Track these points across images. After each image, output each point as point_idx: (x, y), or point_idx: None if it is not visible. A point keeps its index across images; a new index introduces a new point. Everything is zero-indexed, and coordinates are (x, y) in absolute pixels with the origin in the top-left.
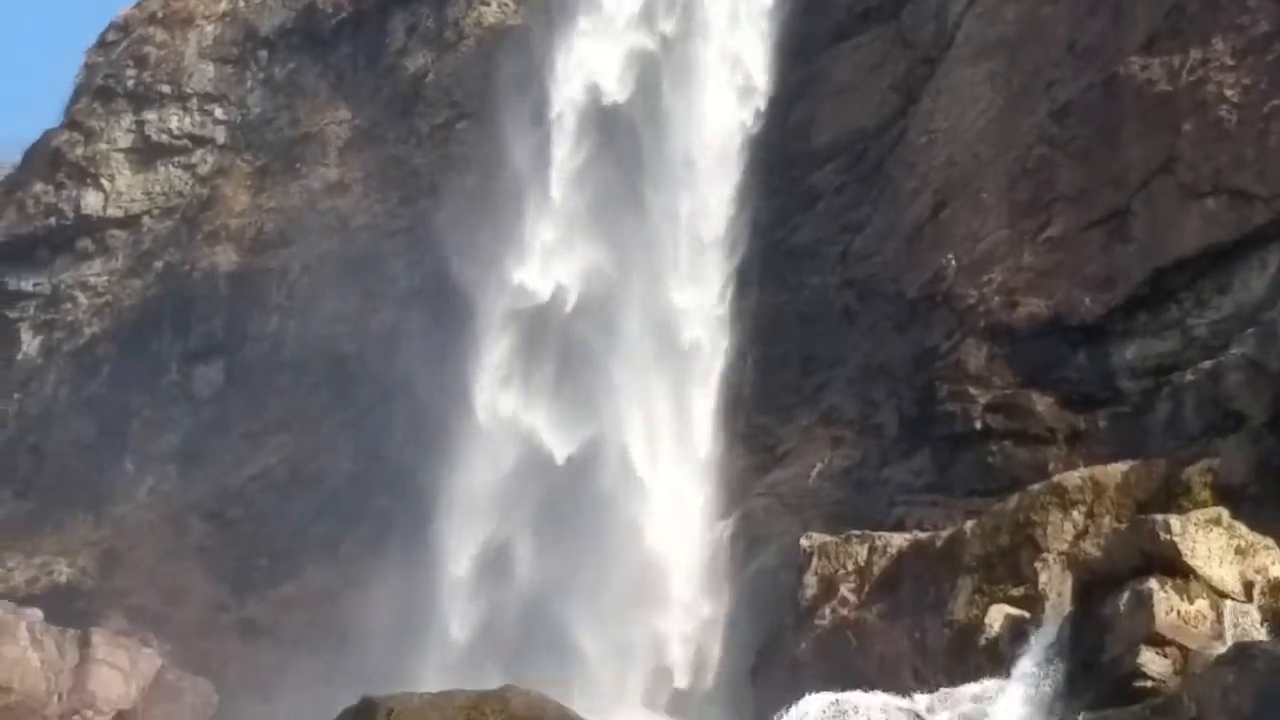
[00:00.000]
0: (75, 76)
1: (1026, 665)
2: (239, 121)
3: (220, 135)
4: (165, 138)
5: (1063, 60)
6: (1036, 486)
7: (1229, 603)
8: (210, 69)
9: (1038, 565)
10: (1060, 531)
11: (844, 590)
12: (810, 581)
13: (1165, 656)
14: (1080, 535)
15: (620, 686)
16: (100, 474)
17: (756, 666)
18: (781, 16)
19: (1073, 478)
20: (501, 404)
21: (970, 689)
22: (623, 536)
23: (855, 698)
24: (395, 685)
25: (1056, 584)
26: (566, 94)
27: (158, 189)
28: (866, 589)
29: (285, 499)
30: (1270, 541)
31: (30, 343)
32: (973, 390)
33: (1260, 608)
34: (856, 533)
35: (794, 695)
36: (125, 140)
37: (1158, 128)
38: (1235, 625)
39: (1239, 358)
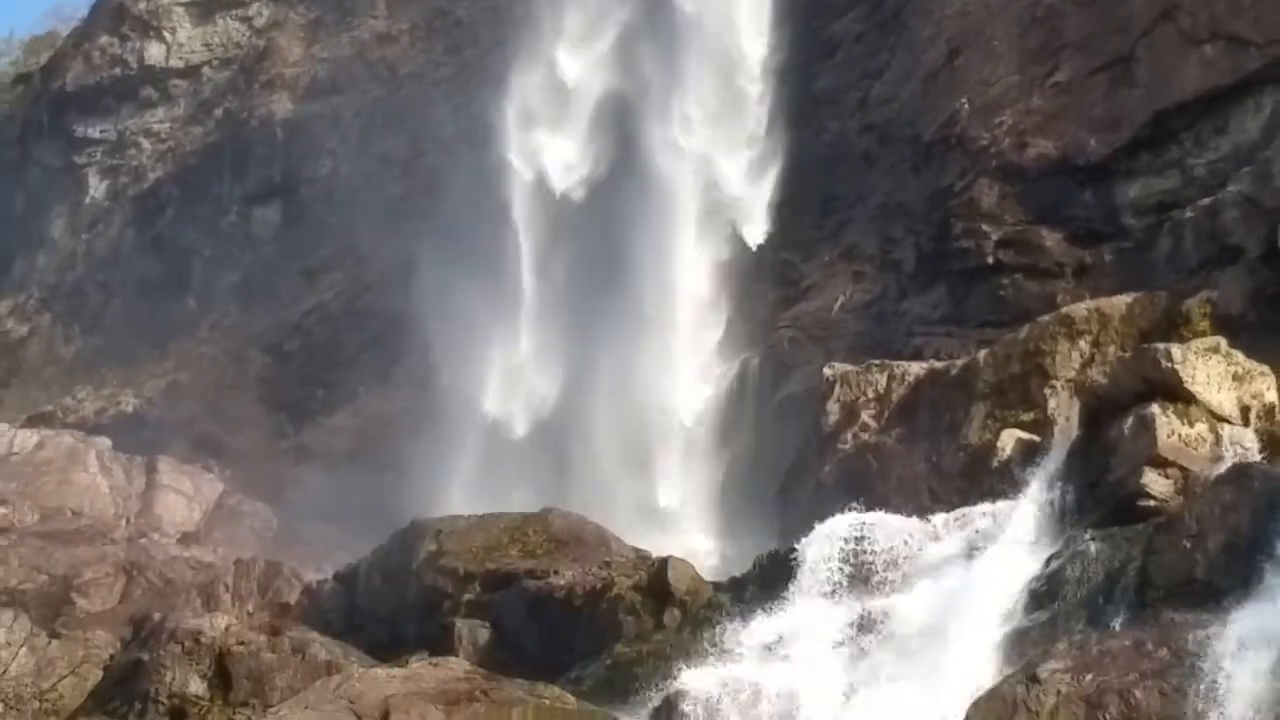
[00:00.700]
0: None
1: (1036, 486)
2: None
3: None
4: None
5: None
6: (1046, 317)
7: (1227, 426)
8: None
9: (1047, 392)
10: (1068, 360)
11: (865, 416)
12: (833, 408)
13: (1167, 477)
14: (1087, 363)
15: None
16: (164, 311)
17: (783, 488)
18: None
19: (1080, 309)
20: None
21: (983, 509)
22: (658, 361)
23: (876, 518)
24: (442, 509)
25: (1064, 409)
26: None
27: (216, 40)
28: (886, 415)
29: (339, 332)
30: (1266, 368)
31: (98, 187)
32: (985, 227)
33: (1256, 431)
34: (876, 362)
35: (817, 515)
36: None
37: None
38: (1233, 447)
39: (1235, 195)
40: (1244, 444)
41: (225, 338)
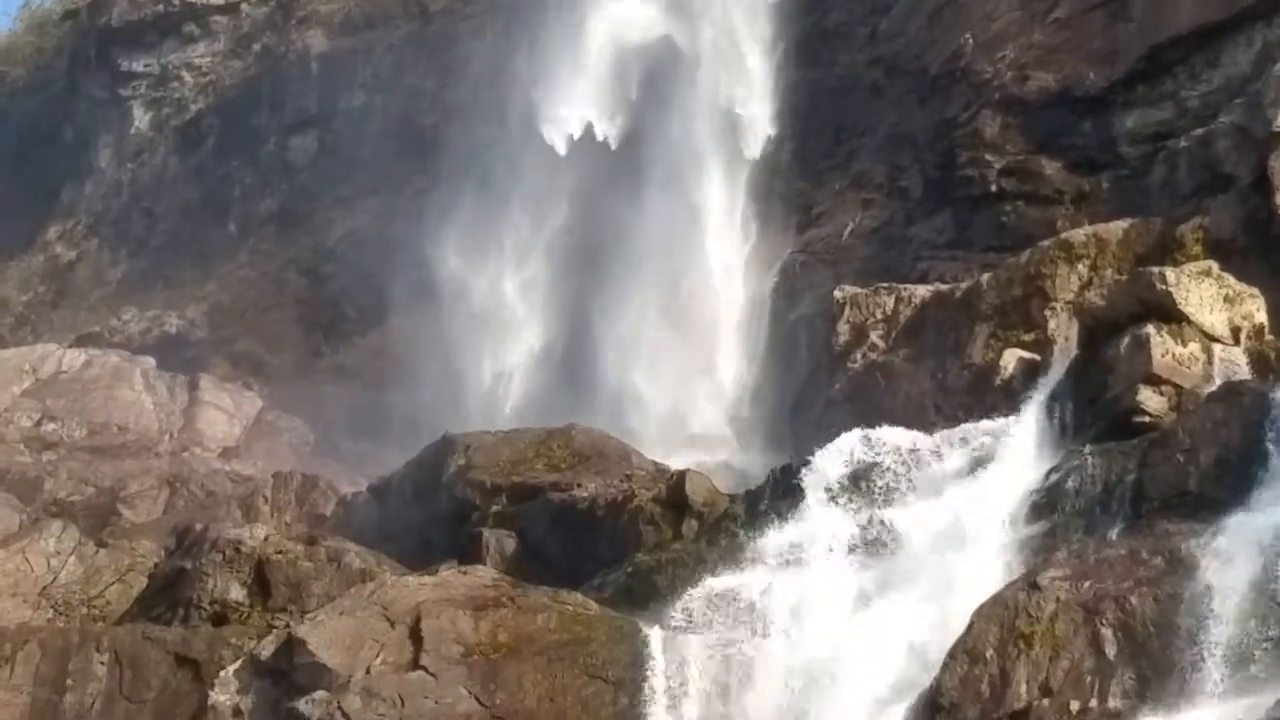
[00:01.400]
0: None
1: (1037, 403)
2: None
3: None
4: None
5: None
6: (1046, 242)
7: (1218, 346)
8: None
9: (1047, 313)
10: (1067, 283)
11: (873, 336)
12: (843, 329)
13: (1161, 394)
14: (1085, 286)
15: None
16: (206, 236)
17: (795, 404)
18: None
19: (1078, 234)
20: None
21: (986, 424)
22: (677, 280)
23: (883, 434)
24: (470, 425)
25: (1064, 330)
26: None
27: None
28: (893, 335)
29: (372, 256)
30: (1255, 291)
31: (142, 118)
32: (989, 156)
33: (1246, 350)
34: (884, 285)
35: (828, 430)
36: None
37: None
38: (1224, 366)
39: (1228, 125)
40: (1235, 363)
41: (264, 261)
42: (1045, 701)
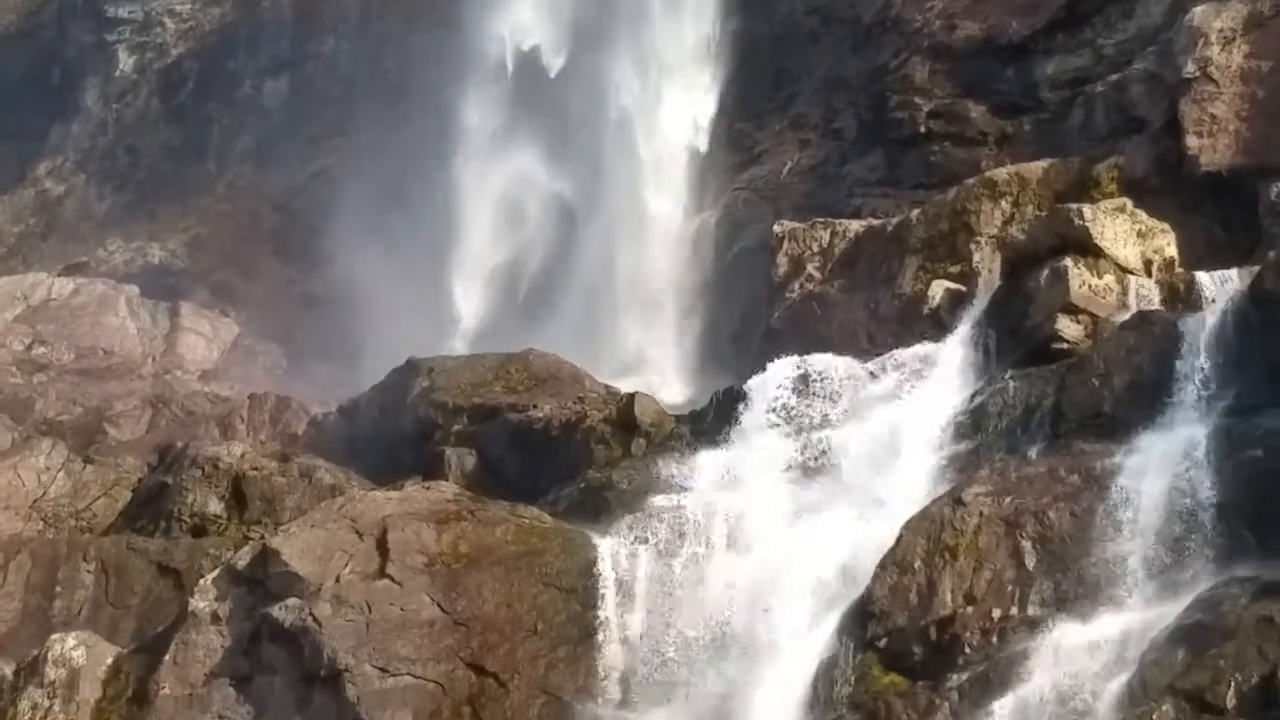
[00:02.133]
0: None
1: (962, 331)
2: None
3: None
4: None
5: None
6: (971, 181)
7: (1132, 278)
8: None
9: (972, 247)
10: (991, 218)
11: (810, 268)
12: (781, 261)
13: (1078, 323)
14: (1008, 221)
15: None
16: (186, 173)
17: (737, 334)
18: None
19: (1001, 173)
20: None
21: (916, 350)
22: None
23: (818, 360)
24: (432, 350)
25: (988, 262)
26: None
27: None
28: (829, 267)
29: (341, 191)
30: (1166, 226)
31: (126, 61)
32: (918, 100)
33: (1158, 282)
34: (821, 220)
35: (768, 356)
36: None
37: None
38: (1137, 297)
39: (1141, 72)
40: (1147, 294)
41: (240, 196)
42: (969, 609)
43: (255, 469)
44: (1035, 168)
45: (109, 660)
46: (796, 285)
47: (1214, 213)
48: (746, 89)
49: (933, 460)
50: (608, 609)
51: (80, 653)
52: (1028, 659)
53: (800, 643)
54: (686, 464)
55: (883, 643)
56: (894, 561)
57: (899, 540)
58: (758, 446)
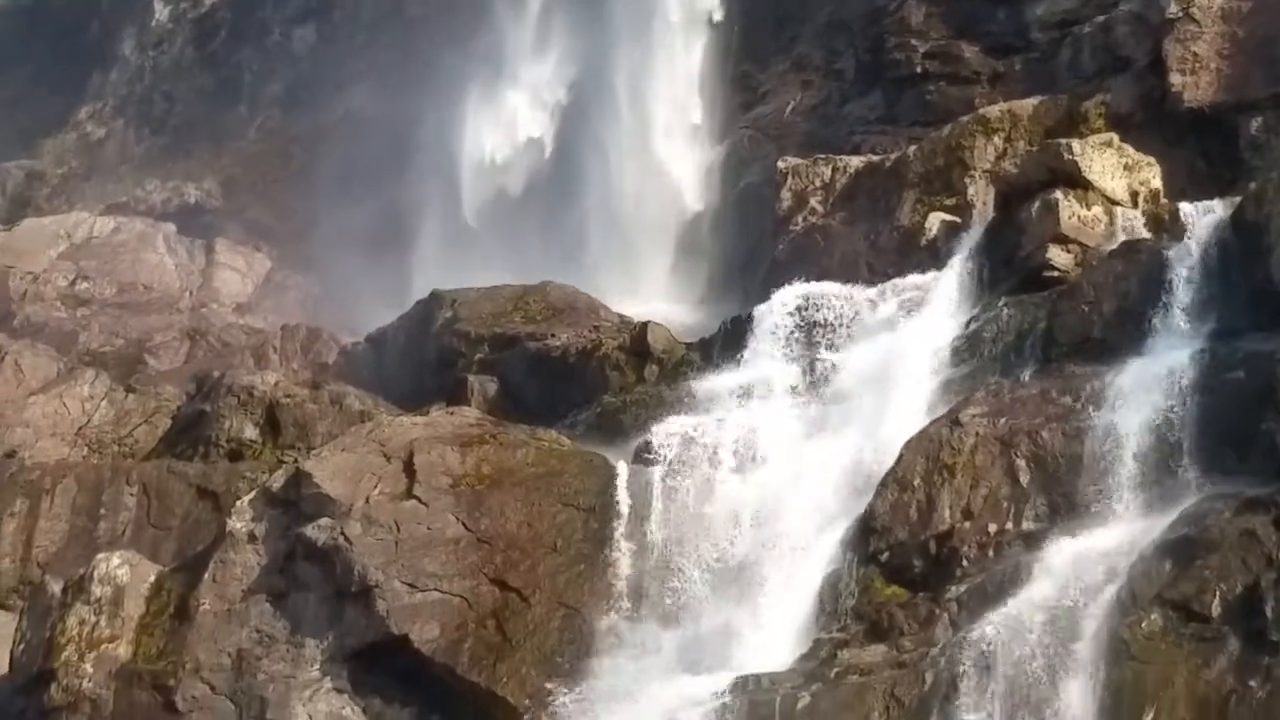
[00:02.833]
0: None
1: (958, 260)
2: None
3: None
4: None
5: None
6: (965, 118)
7: (1119, 209)
8: None
9: (966, 181)
10: (984, 154)
11: (813, 202)
12: (786, 196)
13: (1068, 252)
14: (1000, 156)
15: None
16: (219, 116)
17: (745, 265)
18: None
19: (994, 110)
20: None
21: (914, 279)
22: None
23: (821, 287)
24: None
25: (982, 195)
26: None
27: None
28: (831, 201)
29: (365, 134)
30: (1151, 159)
31: (162, 11)
32: (914, 41)
33: (1143, 213)
34: (822, 156)
35: (774, 286)
36: None
37: None
38: (1124, 227)
39: (1126, 13)
40: (1133, 224)
41: (271, 139)
42: (966, 524)
43: (288, 396)
44: (1026, 105)
45: (151, 578)
46: (800, 219)
47: (1196, 146)
48: (750, 31)
49: (931, 383)
50: (623, 527)
51: (124, 571)
52: (1022, 571)
53: (806, 558)
54: (697, 388)
55: (885, 557)
56: (895, 479)
57: (899, 459)
58: (765, 369)
